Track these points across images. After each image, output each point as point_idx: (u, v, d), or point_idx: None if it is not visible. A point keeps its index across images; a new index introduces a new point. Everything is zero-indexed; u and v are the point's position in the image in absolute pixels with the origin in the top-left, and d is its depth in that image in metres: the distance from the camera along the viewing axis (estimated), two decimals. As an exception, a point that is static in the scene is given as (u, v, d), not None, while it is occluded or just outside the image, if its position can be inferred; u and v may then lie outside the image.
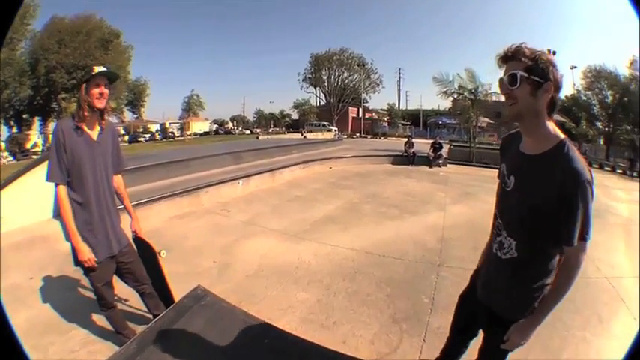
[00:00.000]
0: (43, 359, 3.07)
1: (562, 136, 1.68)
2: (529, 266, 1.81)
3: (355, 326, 3.50)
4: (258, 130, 68.01)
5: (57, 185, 2.72)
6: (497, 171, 1.94)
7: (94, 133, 2.77)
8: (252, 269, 4.87)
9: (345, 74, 66.06)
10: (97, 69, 2.67)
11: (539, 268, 1.80)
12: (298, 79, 69.11)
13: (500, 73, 1.72)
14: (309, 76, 67.68)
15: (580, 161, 1.59)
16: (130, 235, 3.19)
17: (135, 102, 57.96)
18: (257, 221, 7.03)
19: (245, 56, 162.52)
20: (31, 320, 3.74)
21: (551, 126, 1.69)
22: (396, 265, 5.04)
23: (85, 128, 2.71)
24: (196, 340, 2.44)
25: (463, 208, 8.36)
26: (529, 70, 1.59)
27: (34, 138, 55.67)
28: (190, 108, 57.47)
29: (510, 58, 1.66)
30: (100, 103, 2.66)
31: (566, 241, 1.62)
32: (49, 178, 2.71)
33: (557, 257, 1.77)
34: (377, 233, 6.37)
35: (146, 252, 3.28)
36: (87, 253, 2.71)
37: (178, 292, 3.85)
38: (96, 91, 2.63)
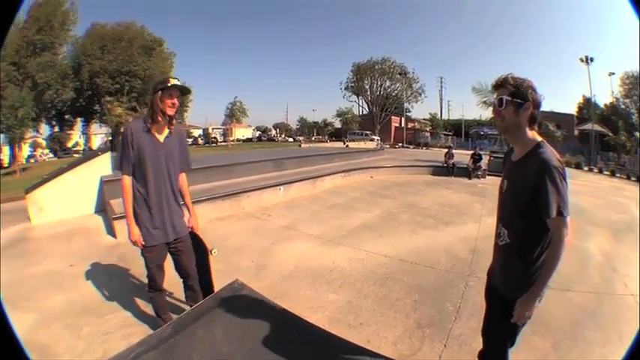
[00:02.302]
0: (45, 359, 3.18)
1: (538, 139, 2.12)
2: (519, 249, 2.16)
3: (381, 328, 3.63)
4: (300, 138, 68.30)
5: (122, 175, 3.10)
6: None
7: (162, 136, 3.14)
8: (287, 270, 5.08)
9: (387, 83, 65.49)
10: (173, 81, 3.04)
11: (528, 250, 2.12)
12: (340, 88, 68.79)
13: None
14: (352, 84, 67.51)
15: (550, 154, 2.01)
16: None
17: (178, 107, 58.69)
18: (296, 226, 7.25)
19: (288, 65, 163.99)
20: (68, 303, 4.12)
21: (531, 134, 2.13)
22: (427, 273, 5.11)
23: (154, 131, 3.09)
24: (229, 327, 2.59)
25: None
26: (512, 95, 2.09)
27: (76, 137, 57.73)
28: (233, 114, 58.02)
29: (499, 86, 2.18)
30: (171, 111, 3.05)
31: (545, 213, 1.94)
32: (116, 168, 3.15)
33: (545, 240, 2.08)
34: (411, 242, 6.46)
35: (198, 248, 3.59)
36: (135, 235, 3.11)
37: (217, 287, 4.03)
38: (169, 101, 3.01)
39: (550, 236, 2.04)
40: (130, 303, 4.20)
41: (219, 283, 3.80)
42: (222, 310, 2.78)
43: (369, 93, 65.91)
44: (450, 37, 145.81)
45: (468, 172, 16.25)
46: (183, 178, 3.42)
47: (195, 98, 60.49)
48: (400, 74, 64.03)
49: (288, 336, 2.51)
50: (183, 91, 3.13)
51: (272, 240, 6.38)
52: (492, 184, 14.17)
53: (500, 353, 2.41)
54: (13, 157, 38.28)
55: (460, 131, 61.32)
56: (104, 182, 7.83)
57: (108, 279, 4.86)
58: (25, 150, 44.97)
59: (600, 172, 26.51)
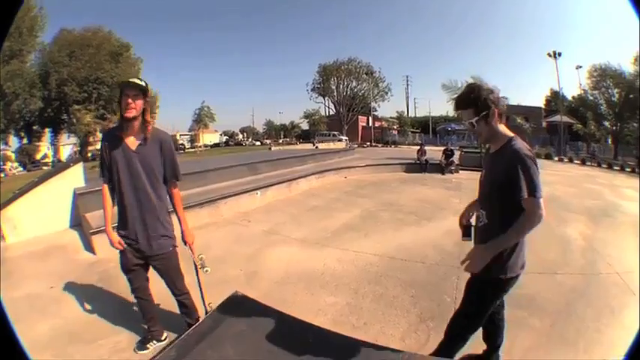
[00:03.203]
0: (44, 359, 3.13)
1: (511, 134, 2.37)
2: (497, 228, 2.32)
3: (385, 326, 3.62)
4: (268, 141, 68.15)
5: (102, 183, 3.05)
6: None
7: (135, 143, 2.91)
8: (279, 276, 4.98)
9: (354, 83, 65.88)
10: (129, 80, 2.82)
11: (504, 229, 2.27)
12: (307, 90, 69.02)
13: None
14: (318, 86, 67.71)
15: (521, 145, 2.28)
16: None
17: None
18: (278, 230, 7.14)
19: (253, 68, 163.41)
20: (55, 330, 3.81)
21: (503, 130, 2.39)
22: (418, 268, 5.16)
23: (125, 137, 2.89)
24: (240, 343, 2.46)
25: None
26: (478, 112, 2.32)
27: (44, 149, 56.00)
28: (201, 119, 57.47)
29: (460, 106, 2.42)
30: (128, 113, 2.76)
31: (520, 194, 2.16)
32: (99, 175, 3.08)
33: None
34: (396, 239, 6.49)
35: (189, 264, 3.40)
36: (114, 241, 3.02)
37: (214, 299, 3.92)
38: (124, 102, 2.77)
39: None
40: (119, 324, 3.99)
41: (211, 295, 3.73)
42: (228, 326, 2.65)
43: (335, 94, 66.19)
44: (415, 33, 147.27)
45: (440, 168, 16.50)
46: (173, 190, 3.18)
47: (161, 105, 59.77)
48: (367, 74, 64.60)
49: (304, 343, 2.42)
50: (142, 90, 2.83)
51: (256, 246, 6.26)
52: (466, 178, 14.63)
53: (465, 329, 2.68)
54: None
55: (428, 128, 62.06)
56: (78, 195, 7.54)
57: (91, 300, 4.59)
58: None
59: (571, 161, 27.41)
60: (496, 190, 2.35)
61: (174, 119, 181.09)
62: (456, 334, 2.71)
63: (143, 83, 2.82)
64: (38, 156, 54.12)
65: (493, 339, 2.93)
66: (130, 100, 2.76)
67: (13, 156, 53.96)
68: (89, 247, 6.44)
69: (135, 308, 4.06)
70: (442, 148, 18.34)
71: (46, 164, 48.73)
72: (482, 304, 2.55)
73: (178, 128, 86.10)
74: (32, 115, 43.20)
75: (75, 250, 6.48)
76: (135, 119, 2.82)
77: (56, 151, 57.48)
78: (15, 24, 36.77)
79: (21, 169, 49.71)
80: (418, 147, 18.83)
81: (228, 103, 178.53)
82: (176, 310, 3.53)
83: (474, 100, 2.32)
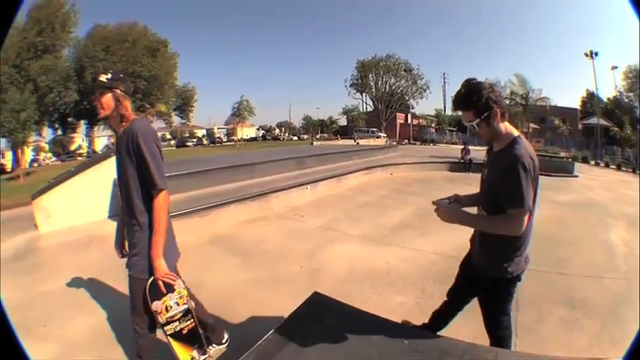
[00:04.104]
0: (44, 359, 3.01)
1: (515, 134, 2.28)
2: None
3: (456, 325, 3.38)
4: (305, 136, 68.43)
5: None
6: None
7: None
8: (343, 274, 4.84)
9: (392, 80, 65.59)
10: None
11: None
12: (345, 85, 69.16)
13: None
14: (356, 82, 67.63)
15: (523, 150, 2.16)
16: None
17: (183, 107, 59.40)
18: (333, 226, 7.01)
19: (289, 64, 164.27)
20: (93, 329, 3.60)
21: (505, 128, 2.29)
22: None
23: (116, 137, 2.56)
24: (331, 346, 2.32)
25: None
26: (478, 114, 2.20)
27: (79, 140, 57.66)
28: (240, 113, 58.12)
29: (460, 108, 2.32)
30: (101, 113, 2.48)
31: (506, 203, 2.17)
32: None
33: None
34: (453, 238, 6.16)
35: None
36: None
37: (278, 298, 4.17)
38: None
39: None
40: None
41: (275, 293, 4.16)
42: (314, 328, 2.50)
43: (374, 90, 66.05)
44: (453, 32, 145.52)
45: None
46: (155, 197, 2.43)
47: (198, 99, 60.66)
48: (405, 71, 64.27)
49: (396, 344, 2.34)
50: (105, 86, 2.45)
51: (314, 242, 6.13)
52: None
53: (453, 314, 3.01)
54: (16, 161, 38.07)
55: (465, 127, 61.31)
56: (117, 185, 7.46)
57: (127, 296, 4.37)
58: (28, 154, 44.79)
59: (607, 165, 27.00)
60: (495, 193, 2.29)
61: (211, 113, 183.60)
62: (503, 335, 2.73)
63: (104, 78, 2.46)
64: (72, 147, 55.76)
65: (444, 319, 3.09)
66: (96, 102, 2.47)
67: (46, 147, 55.64)
68: None
69: None
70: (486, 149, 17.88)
71: (80, 155, 50.19)
72: (509, 299, 2.60)
73: (214, 122, 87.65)
74: (67, 107, 44.28)
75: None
76: (110, 118, 2.50)
77: (91, 143, 59.17)
78: (47, 20, 37.74)
79: (55, 159, 51.17)
80: (462, 146, 18.67)
81: (264, 98, 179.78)
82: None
83: (475, 101, 2.20)
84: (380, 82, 65.81)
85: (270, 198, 8.42)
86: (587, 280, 4.77)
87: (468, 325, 3.04)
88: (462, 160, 17.08)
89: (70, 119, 48.69)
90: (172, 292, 2.45)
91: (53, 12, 39.00)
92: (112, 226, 6.43)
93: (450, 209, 2.48)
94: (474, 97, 2.19)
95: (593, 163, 28.46)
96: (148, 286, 2.41)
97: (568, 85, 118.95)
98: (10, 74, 35.35)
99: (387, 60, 65.35)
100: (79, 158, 44.44)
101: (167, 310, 2.43)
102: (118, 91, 2.47)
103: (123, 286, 4.05)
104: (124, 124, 2.48)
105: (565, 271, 4.91)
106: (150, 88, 47.72)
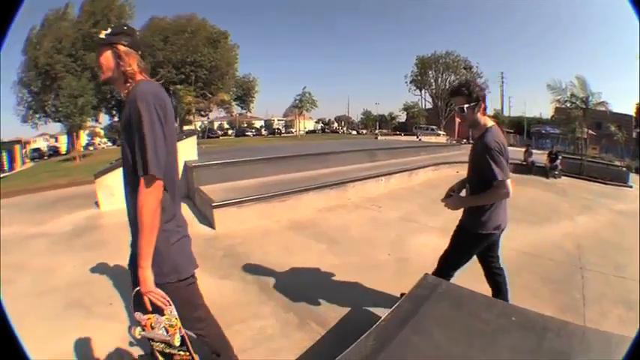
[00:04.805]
0: (44, 359, 2.79)
1: (490, 124, 3.00)
2: None
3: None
4: (364, 131, 68.43)
5: None
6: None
7: None
8: (430, 263, 4.94)
9: (452, 77, 64.28)
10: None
11: None
12: (406, 81, 68.68)
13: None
14: (416, 78, 67.05)
15: (492, 137, 2.88)
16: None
17: (244, 98, 60.18)
18: (413, 218, 7.23)
19: (350, 59, 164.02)
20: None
21: (483, 121, 3.00)
22: (549, 265, 5.31)
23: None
24: (448, 327, 2.36)
25: (586, 219, 8.40)
26: (469, 101, 2.93)
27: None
28: (303, 105, 58.49)
29: (456, 94, 3.02)
30: (100, 76, 2.11)
31: (487, 178, 2.87)
32: None
33: None
34: (525, 236, 6.48)
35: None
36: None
37: (371, 283, 4.40)
38: None
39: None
40: (258, 308, 3.76)
41: (367, 277, 4.39)
42: (429, 308, 2.52)
43: (433, 87, 65.16)
44: (511, 32, 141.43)
45: (544, 172, 16.05)
46: (140, 188, 1.84)
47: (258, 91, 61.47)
48: (465, 68, 63.10)
49: (504, 320, 2.42)
50: (104, 42, 2.07)
51: (396, 232, 6.31)
52: (568, 184, 14.49)
53: (445, 267, 3.64)
54: (71, 144, 39.54)
55: (521, 129, 59.33)
56: (193, 167, 7.89)
57: (223, 278, 4.46)
58: (83, 138, 45.99)
59: None
60: (476, 171, 3.10)
61: (267, 105, 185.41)
62: (442, 270, 3.63)
63: (103, 34, 2.09)
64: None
65: (494, 282, 3.75)
66: (96, 63, 2.14)
67: (102, 132, 57.69)
68: (205, 220, 6.71)
69: (279, 290, 4.17)
70: (548, 152, 17.93)
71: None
72: (465, 250, 3.48)
73: (272, 114, 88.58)
74: (125, 95, 45.77)
75: (188, 223, 6.50)
76: (114, 82, 2.10)
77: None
78: (102, 12, 38.84)
79: (110, 144, 52.98)
80: (525, 148, 18.66)
81: (323, 92, 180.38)
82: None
83: (470, 91, 2.93)
84: (440, 79, 65.01)
85: (347, 187, 8.68)
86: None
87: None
88: (524, 162, 17.04)
89: (126, 106, 50.55)
90: (161, 314, 1.93)
91: (107, 5, 39.90)
92: (182, 207, 6.87)
93: (453, 200, 3.29)
94: (470, 88, 2.94)
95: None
96: (132, 294, 1.95)
97: (623, 90, 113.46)
98: (65, 63, 36.84)
99: (446, 57, 64.51)
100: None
101: (152, 328, 1.96)
102: (120, 47, 2.05)
103: (205, 268, 4.39)
104: (128, 85, 2.04)
105: (623, 275, 5.02)
106: (211, 78, 48.78)
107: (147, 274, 1.82)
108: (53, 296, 3.98)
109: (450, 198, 3.32)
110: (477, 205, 3.12)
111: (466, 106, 2.93)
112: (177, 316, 1.94)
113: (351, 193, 8.71)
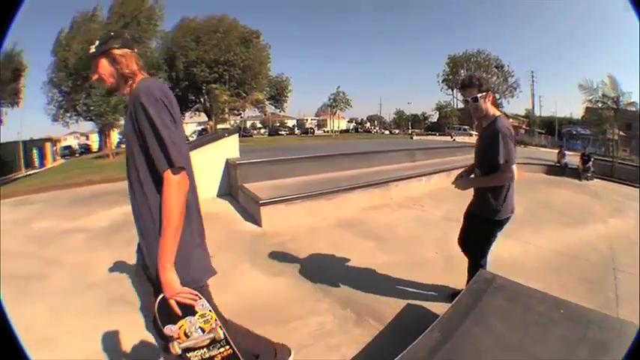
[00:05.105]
0: (44, 359, 2.79)
1: (497, 114, 3.29)
2: None
3: None
4: (397, 131, 68.26)
5: None
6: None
7: None
8: (475, 262, 5.35)
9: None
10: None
11: None
12: (437, 81, 68.60)
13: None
14: (447, 77, 66.68)
15: (502, 124, 3.17)
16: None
17: (277, 97, 60.41)
18: (454, 217, 7.32)
19: (380, 59, 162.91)
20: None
21: (492, 111, 3.30)
22: (584, 265, 5.46)
23: None
24: (505, 318, 2.54)
25: (617, 221, 8.50)
26: (480, 91, 3.23)
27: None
28: (337, 104, 58.60)
29: (467, 86, 3.31)
30: (106, 85, 2.06)
31: (497, 160, 3.12)
32: None
33: None
34: (561, 236, 6.72)
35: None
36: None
37: (422, 280, 4.64)
38: None
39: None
40: (314, 304, 3.85)
41: (433, 275, 4.60)
42: (487, 301, 2.69)
43: (465, 86, 64.31)
44: (539, 31, 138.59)
45: (577, 174, 16.06)
46: (165, 184, 1.78)
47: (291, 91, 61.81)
48: (496, 67, 62.30)
49: (554, 313, 2.57)
50: (99, 52, 1.99)
51: (441, 231, 6.48)
52: (601, 186, 14.47)
53: (477, 259, 3.78)
54: (103, 142, 39.81)
55: (552, 129, 58.26)
56: (237, 165, 8.19)
57: (270, 275, 4.57)
58: (115, 137, 46.26)
59: None
60: (484, 155, 3.35)
61: (300, 105, 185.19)
62: (475, 262, 3.78)
63: (92, 48, 2.00)
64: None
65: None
66: (95, 75, 2.05)
67: None
68: (251, 218, 6.93)
69: (333, 286, 4.29)
70: (580, 153, 17.80)
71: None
72: (490, 237, 3.69)
73: (304, 113, 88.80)
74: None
75: (232, 220, 6.89)
76: (118, 88, 2.05)
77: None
78: (131, 15, 38.74)
79: None
80: (558, 149, 18.84)
81: (355, 91, 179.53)
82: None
83: (480, 82, 3.24)
84: (471, 79, 64.04)
85: (390, 187, 8.99)
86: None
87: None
88: (558, 164, 17.13)
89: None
90: (193, 314, 1.83)
91: (137, 7, 39.60)
92: (221, 204, 7.80)
93: (463, 181, 3.68)
94: (481, 80, 3.27)
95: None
96: (156, 307, 1.81)
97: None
98: (96, 63, 37.12)
99: (477, 56, 64.19)
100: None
101: (187, 337, 1.83)
102: (114, 51, 1.97)
103: (257, 264, 4.94)
104: (130, 83, 1.99)
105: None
106: (244, 77, 49.18)
107: (170, 276, 1.73)
108: (95, 292, 4.10)
109: (460, 179, 3.74)
110: (485, 185, 3.45)
111: (479, 95, 3.21)
112: (210, 308, 1.86)
113: (394, 192, 9.01)
